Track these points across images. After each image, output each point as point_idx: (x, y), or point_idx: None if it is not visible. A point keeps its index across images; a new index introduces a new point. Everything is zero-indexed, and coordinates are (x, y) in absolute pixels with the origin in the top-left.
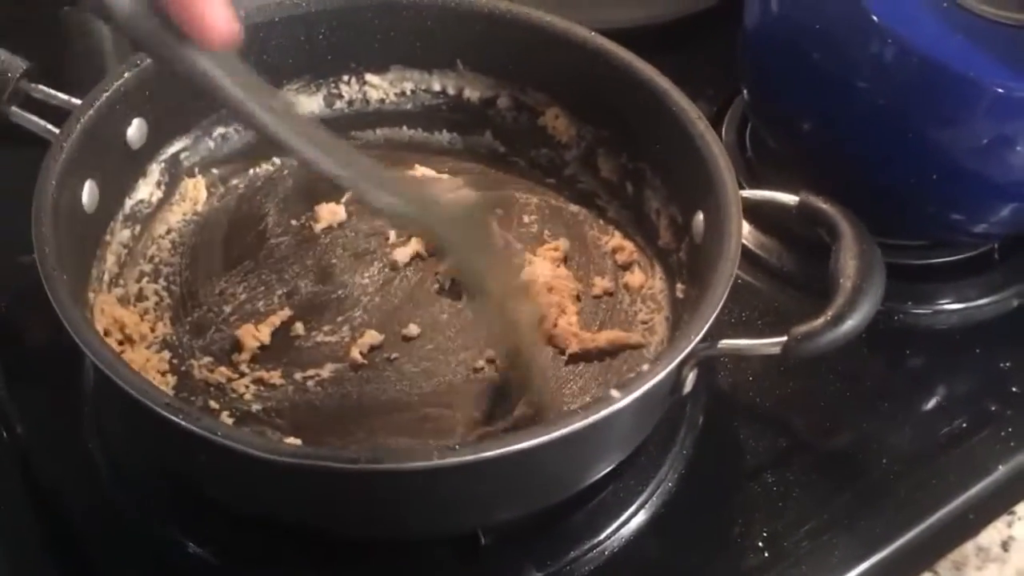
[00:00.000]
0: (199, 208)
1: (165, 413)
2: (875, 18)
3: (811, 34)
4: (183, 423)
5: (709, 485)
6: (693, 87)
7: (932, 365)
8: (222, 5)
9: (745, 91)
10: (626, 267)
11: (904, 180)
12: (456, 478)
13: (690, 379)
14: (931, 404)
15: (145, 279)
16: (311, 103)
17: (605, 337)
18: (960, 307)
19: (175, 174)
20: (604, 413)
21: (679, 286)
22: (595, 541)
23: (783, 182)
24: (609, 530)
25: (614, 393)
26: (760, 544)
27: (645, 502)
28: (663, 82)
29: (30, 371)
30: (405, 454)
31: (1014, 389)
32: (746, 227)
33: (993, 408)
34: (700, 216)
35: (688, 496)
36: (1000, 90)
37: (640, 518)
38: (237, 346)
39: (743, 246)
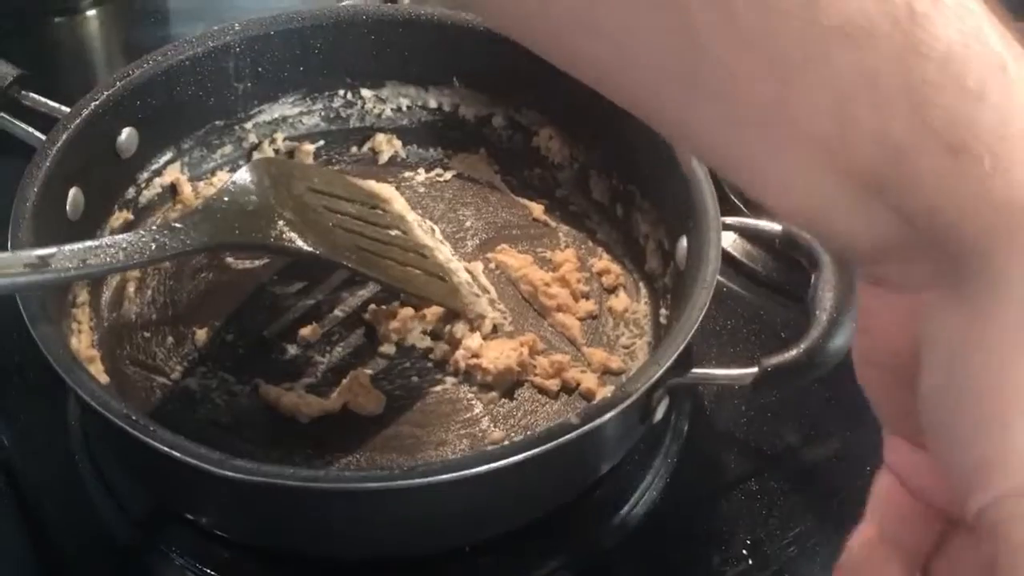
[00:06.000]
0: None
1: (124, 425)
2: None
3: None
4: (141, 437)
5: (693, 493)
6: None
7: None
8: None
9: None
10: (611, 290)
11: None
12: (421, 498)
13: (662, 406)
14: None
15: (130, 285)
16: (309, 118)
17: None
18: None
19: (166, 183)
20: (562, 440)
21: (663, 311)
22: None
23: None
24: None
25: (573, 420)
26: (744, 551)
27: (630, 511)
28: None
29: (16, 380)
30: (363, 475)
31: None
32: (732, 236)
33: None
34: (684, 242)
35: (672, 505)
36: None
37: (625, 528)
38: (216, 355)
39: (729, 255)
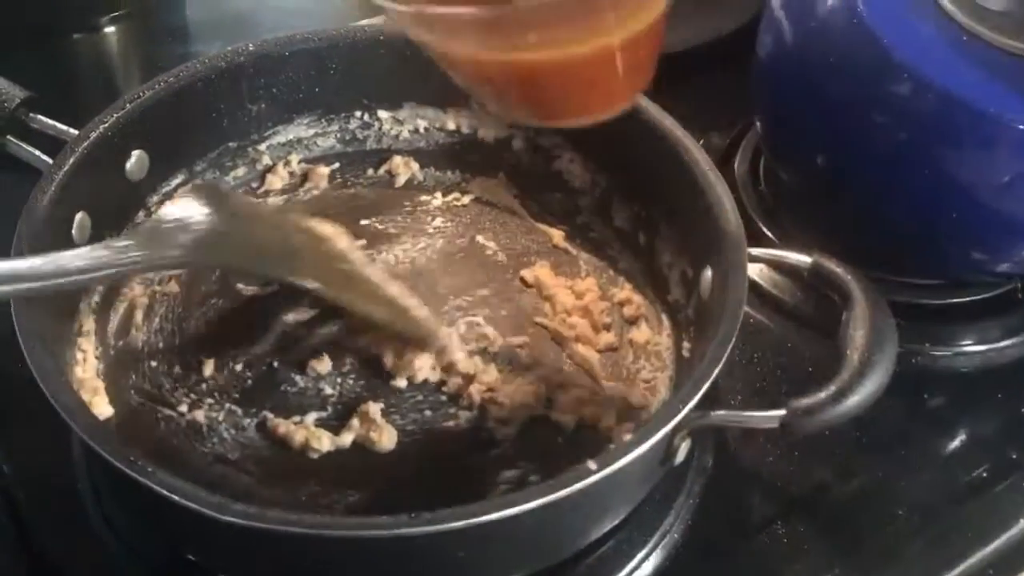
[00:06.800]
0: None
1: (122, 467)
2: (891, 52)
3: (825, 67)
4: (139, 478)
5: (717, 537)
6: (707, 117)
7: (952, 410)
8: None
9: (758, 123)
10: (632, 321)
11: (922, 217)
12: (431, 545)
13: (684, 448)
14: (951, 451)
15: (137, 313)
16: (324, 139)
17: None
18: (981, 349)
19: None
20: (577, 487)
21: (686, 344)
22: None
23: (796, 218)
24: None
25: (591, 465)
26: None
27: (649, 554)
28: (678, 131)
29: (19, 408)
30: (368, 521)
31: None
32: (759, 265)
33: (1015, 456)
34: (709, 272)
35: (694, 548)
36: (1021, 127)
37: (643, 572)
38: (224, 386)
39: (757, 285)
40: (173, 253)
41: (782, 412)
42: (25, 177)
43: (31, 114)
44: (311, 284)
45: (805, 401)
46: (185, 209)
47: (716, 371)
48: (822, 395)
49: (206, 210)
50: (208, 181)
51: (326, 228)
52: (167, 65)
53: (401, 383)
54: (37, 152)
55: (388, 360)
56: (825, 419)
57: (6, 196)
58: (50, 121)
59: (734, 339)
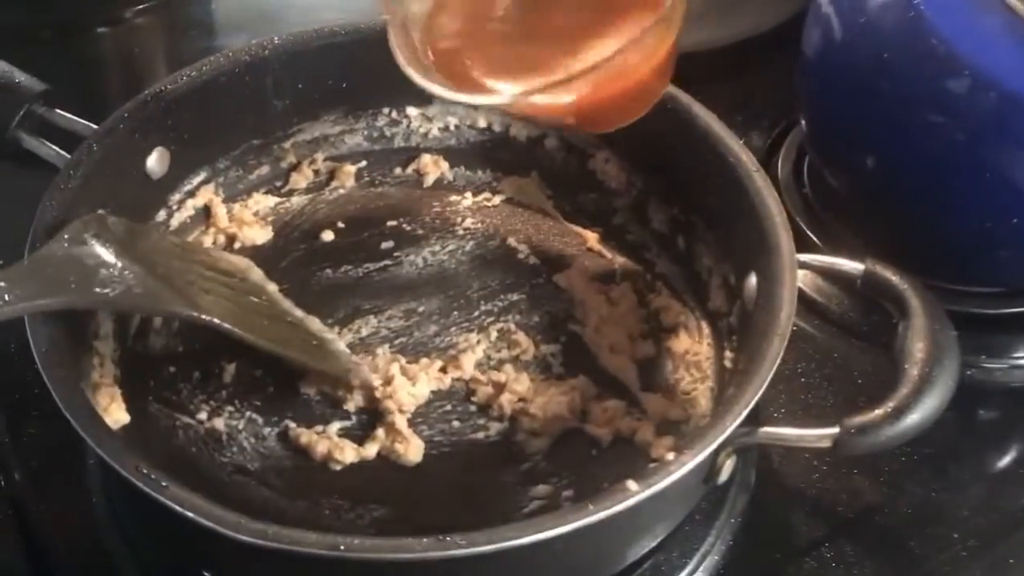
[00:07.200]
0: (222, 240)
1: (135, 480)
2: (950, 47)
3: (877, 64)
4: (152, 493)
5: (760, 558)
6: (747, 115)
7: (1008, 425)
8: None
9: (803, 123)
10: (671, 330)
11: (980, 224)
12: (457, 567)
13: (728, 466)
14: (1007, 470)
15: (156, 317)
16: (351, 137)
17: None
18: None
19: (199, 205)
20: (616, 509)
21: (727, 354)
22: None
23: (842, 222)
24: None
25: (631, 485)
26: None
27: None
28: (719, 129)
29: (34, 413)
30: (393, 544)
31: None
32: (803, 271)
33: None
34: (753, 279)
35: (737, 571)
36: None
37: None
38: (244, 393)
39: (801, 291)
40: (54, 295)
41: (835, 430)
42: (41, 173)
43: (50, 108)
44: (220, 322)
45: (859, 419)
46: (73, 244)
47: (763, 387)
48: (878, 412)
49: (95, 244)
50: (99, 213)
51: (236, 260)
52: (192, 59)
53: (424, 393)
54: (55, 147)
55: (352, 403)
56: (881, 439)
57: (22, 193)
58: (69, 116)
59: (782, 352)
